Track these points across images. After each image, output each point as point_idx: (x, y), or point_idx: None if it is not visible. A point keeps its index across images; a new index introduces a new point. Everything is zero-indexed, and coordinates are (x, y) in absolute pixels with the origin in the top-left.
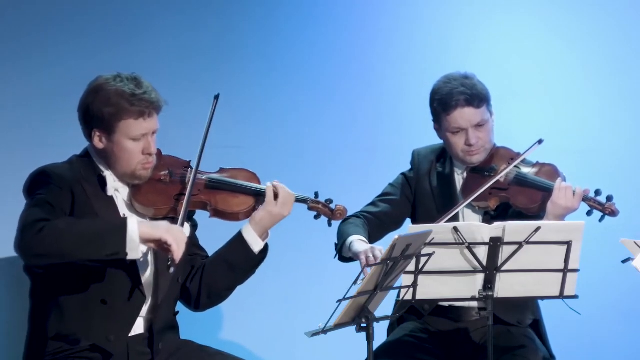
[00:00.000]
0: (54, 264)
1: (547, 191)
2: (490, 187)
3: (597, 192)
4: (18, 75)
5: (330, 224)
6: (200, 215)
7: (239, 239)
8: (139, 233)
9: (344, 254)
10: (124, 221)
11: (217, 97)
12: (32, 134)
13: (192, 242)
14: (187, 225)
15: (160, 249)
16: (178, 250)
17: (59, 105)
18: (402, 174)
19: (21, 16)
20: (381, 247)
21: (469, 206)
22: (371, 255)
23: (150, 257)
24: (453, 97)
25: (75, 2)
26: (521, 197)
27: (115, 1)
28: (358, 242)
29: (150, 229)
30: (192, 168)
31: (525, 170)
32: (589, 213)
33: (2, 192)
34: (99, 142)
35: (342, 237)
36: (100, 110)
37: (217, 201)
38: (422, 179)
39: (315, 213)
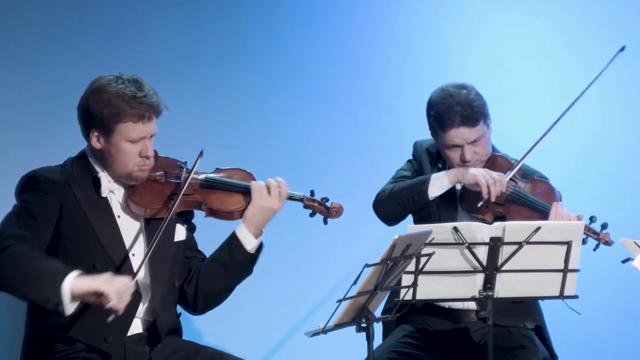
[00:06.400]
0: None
1: (544, 214)
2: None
3: (592, 219)
4: (18, 75)
5: (326, 222)
6: (199, 219)
7: (232, 238)
8: (71, 287)
9: (431, 193)
10: (64, 273)
11: (201, 154)
12: (32, 134)
13: (189, 246)
14: (182, 228)
15: (99, 301)
16: (117, 303)
17: (59, 106)
18: (409, 160)
19: (21, 16)
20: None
21: (466, 217)
22: (490, 177)
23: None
24: (449, 116)
25: (75, 2)
26: (518, 216)
27: (115, 1)
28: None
29: (87, 282)
30: (187, 168)
31: (521, 185)
32: (583, 241)
33: (2, 192)
34: (96, 142)
35: (413, 184)
36: (100, 111)
37: (211, 200)
38: (423, 170)
39: (310, 211)
